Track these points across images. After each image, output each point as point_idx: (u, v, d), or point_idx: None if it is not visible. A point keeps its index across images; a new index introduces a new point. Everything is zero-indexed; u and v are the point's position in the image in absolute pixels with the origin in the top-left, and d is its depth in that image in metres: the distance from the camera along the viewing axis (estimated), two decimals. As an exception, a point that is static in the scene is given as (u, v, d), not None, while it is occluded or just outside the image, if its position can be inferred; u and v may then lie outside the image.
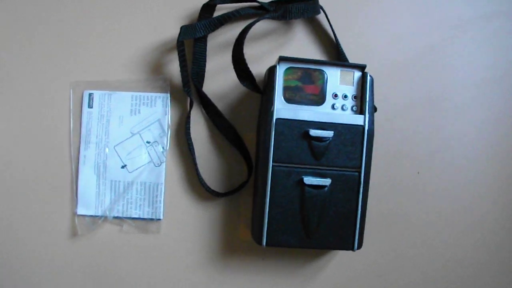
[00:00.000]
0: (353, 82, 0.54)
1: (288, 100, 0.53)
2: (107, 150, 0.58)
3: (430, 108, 0.60)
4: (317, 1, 0.58)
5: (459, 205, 0.60)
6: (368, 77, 0.53)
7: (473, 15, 0.61)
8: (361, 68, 0.54)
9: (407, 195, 0.60)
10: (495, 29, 0.61)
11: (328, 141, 0.52)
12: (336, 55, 0.60)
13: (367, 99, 0.53)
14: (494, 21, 0.62)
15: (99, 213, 0.57)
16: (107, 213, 0.57)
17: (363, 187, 0.53)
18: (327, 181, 0.53)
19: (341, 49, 0.59)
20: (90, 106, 0.58)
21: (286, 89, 0.53)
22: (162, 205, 0.58)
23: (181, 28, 0.55)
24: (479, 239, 0.60)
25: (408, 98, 0.60)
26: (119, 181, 0.58)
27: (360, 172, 0.53)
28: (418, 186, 0.60)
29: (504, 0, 0.62)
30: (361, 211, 0.53)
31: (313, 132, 0.52)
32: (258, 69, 0.58)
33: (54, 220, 0.57)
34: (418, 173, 0.60)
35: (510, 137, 0.61)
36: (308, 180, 0.52)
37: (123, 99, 0.58)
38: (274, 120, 0.52)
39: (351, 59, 0.59)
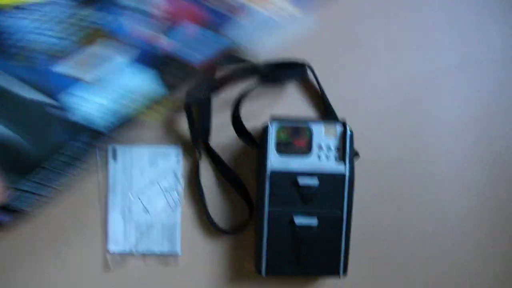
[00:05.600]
0: (336, 134, 0.63)
1: (280, 152, 0.63)
2: (131, 197, 0.69)
3: (413, 150, 0.70)
4: (305, 66, 0.67)
5: (439, 239, 0.70)
6: (348, 132, 0.62)
7: (450, 64, 0.70)
8: (342, 123, 0.63)
9: (389, 231, 0.69)
10: (470, 77, 0.70)
11: (314, 188, 0.62)
12: (323, 109, 0.69)
13: (347, 149, 0.62)
14: (468, 70, 0.70)
15: (127, 250, 0.69)
16: (133, 249, 0.68)
17: (345, 225, 0.63)
18: (314, 221, 0.62)
19: (328, 103, 0.68)
20: (114, 158, 0.69)
21: (278, 143, 0.63)
22: (179, 242, 0.68)
23: (186, 91, 0.65)
24: (462, 275, 0.70)
25: (391, 143, 0.69)
26: (142, 223, 0.69)
27: (342, 213, 0.63)
28: (399, 223, 0.69)
29: (479, 49, 0.70)
30: (344, 245, 0.63)
31: (301, 181, 0.62)
32: (255, 123, 0.68)
33: (89, 257, 0.69)
34: (399, 210, 0.70)
35: (488, 177, 0.70)
36: (298, 221, 0.62)
37: (142, 153, 0.69)
38: (269, 173, 0.62)
39: (338, 111, 0.68)
